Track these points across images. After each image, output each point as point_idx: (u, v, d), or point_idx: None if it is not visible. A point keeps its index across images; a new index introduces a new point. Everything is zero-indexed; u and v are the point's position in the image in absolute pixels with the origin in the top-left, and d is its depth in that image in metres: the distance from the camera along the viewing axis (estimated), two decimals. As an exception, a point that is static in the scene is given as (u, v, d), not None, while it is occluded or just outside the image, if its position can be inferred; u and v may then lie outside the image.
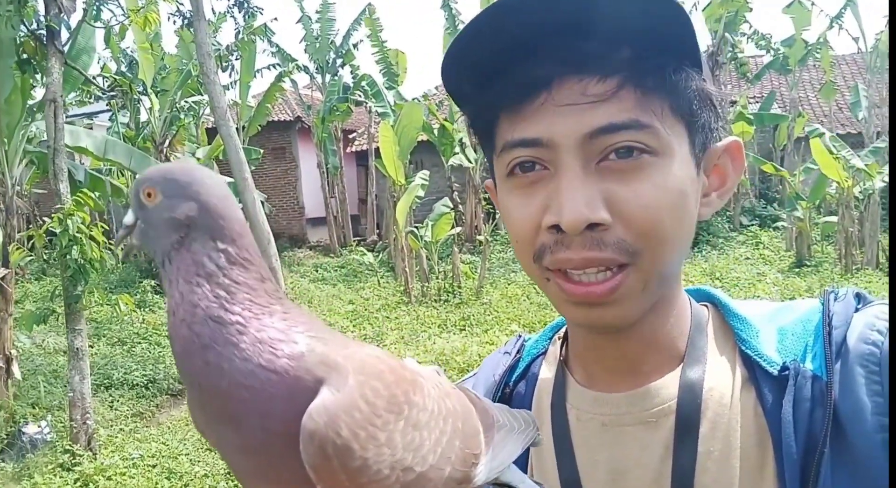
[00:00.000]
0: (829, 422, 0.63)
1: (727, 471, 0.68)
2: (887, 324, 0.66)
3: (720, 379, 0.72)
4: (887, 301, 0.70)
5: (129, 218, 0.59)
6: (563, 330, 0.86)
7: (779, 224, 14.10)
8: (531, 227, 0.68)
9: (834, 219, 11.72)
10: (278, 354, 0.50)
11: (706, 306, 0.80)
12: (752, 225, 14.94)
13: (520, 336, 0.91)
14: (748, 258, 12.47)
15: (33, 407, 7.02)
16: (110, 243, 6.35)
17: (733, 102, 15.60)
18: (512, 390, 0.84)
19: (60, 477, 5.61)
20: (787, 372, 0.67)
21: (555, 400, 0.79)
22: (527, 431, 0.68)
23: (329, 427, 0.48)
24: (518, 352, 0.87)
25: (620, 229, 0.64)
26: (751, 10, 14.57)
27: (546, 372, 0.83)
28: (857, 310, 0.70)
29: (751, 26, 16.10)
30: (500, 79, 0.66)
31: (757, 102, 16.66)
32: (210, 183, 0.56)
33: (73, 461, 5.80)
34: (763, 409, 0.69)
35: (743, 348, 0.73)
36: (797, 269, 11.35)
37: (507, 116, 0.68)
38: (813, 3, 15.75)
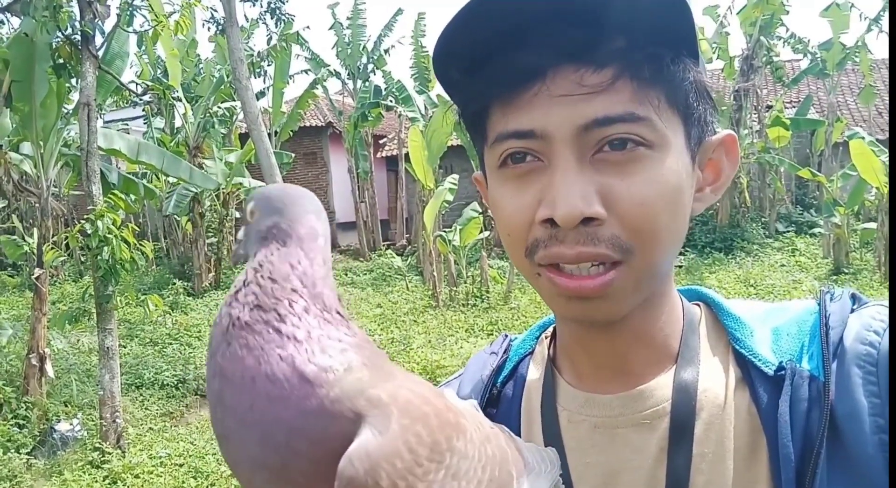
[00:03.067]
0: (825, 423, 0.62)
1: (721, 473, 0.66)
2: (884, 325, 0.65)
3: (714, 379, 0.70)
4: (884, 302, 0.68)
5: (241, 233, 0.63)
6: (551, 329, 0.84)
7: (816, 230, 13.79)
8: (524, 221, 0.66)
9: (873, 225, 11.44)
10: (313, 358, 0.49)
11: (698, 305, 0.78)
12: (789, 231, 14.66)
13: (506, 335, 0.89)
14: (784, 265, 12.24)
15: (66, 406, 7.15)
16: (141, 244, 6.46)
17: (769, 107, 15.35)
18: (500, 391, 0.82)
19: (90, 475, 5.70)
20: (782, 373, 0.66)
21: (544, 401, 0.77)
22: (552, 472, 0.67)
23: (369, 475, 0.46)
24: (505, 352, 0.85)
25: (615, 225, 0.62)
26: (787, 12, 14.31)
27: (534, 372, 0.81)
28: (852, 310, 0.69)
29: (787, 30, 15.84)
30: (493, 66, 0.64)
31: (793, 107, 16.39)
32: (298, 199, 0.59)
33: (102, 458, 5.89)
34: (757, 409, 0.67)
35: (737, 347, 0.71)
36: (835, 277, 11.09)
37: (499, 106, 0.66)
38: (852, 6, 15.41)
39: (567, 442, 0.73)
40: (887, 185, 10.81)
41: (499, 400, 0.81)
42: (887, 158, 10.89)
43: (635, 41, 0.61)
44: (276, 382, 0.48)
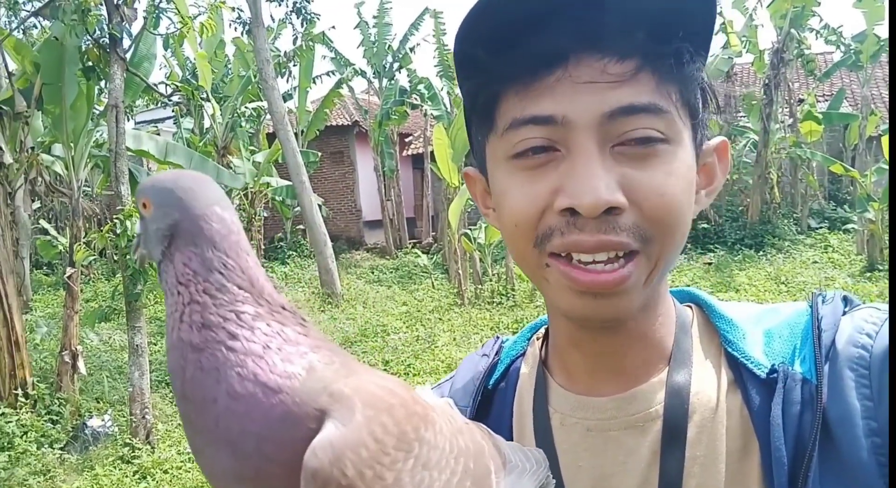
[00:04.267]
0: (818, 426, 0.61)
1: (713, 476, 0.65)
2: (877, 328, 0.64)
3: (706, 382, 0.70)
4: (876, 305, 0.68)
5: (136, 227, 0.60)
6: (542, 330, 0.83)
7: (849, 226, 13.52)
8: (535, 210, 0.64)
9: (909, 220, 11.15)
10: (275, 368, 0.48)
11: (690, 307, 0.77)
12: (821, 227, 14.39)
13: (497, 337, 0.88)
14: (816, 262, 12.01)
15: (97, 402, 7.30)
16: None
17: (801, 101, 15.07)
18: (492, 393, 0.81)
19: (120, 470, 5.81)
20: (775, 375, 0.65)
21: (536, 403, 0.76)
22: (538, 472, 0.65)
23: (334, 465, 0.45)
24: (496, 353, 0.84)
25: (635, 214, 0.62)
26: (819, 4, 14.02)
27: (526, 374, 0.80)
28: (844, 313, 0.68)
29: (821, 20, 15.53)
30: (514, 49, 0.63)
31: (826, 100, 16.05)
32: (196, 189, 0.55)
33: (132, 454, 6.00)
34: (749, 412, 0.66)
35: (729, 350, 0.70)
36: (868, 274, 10.85)
37: (516, 91, 0.65)
38: (887, -4, 15.05)
39: (559, 444, 0.72)
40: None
41: (490, 403, 0.81)
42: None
43: (659, 35, 0.61)
44: (239, 398, 0.47)
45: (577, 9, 0.61)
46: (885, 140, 10.42)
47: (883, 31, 15.53)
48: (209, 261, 0.52)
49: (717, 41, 15.14)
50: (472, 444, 0.57)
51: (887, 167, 11.15)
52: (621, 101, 0.61)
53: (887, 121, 11.53)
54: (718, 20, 14.88)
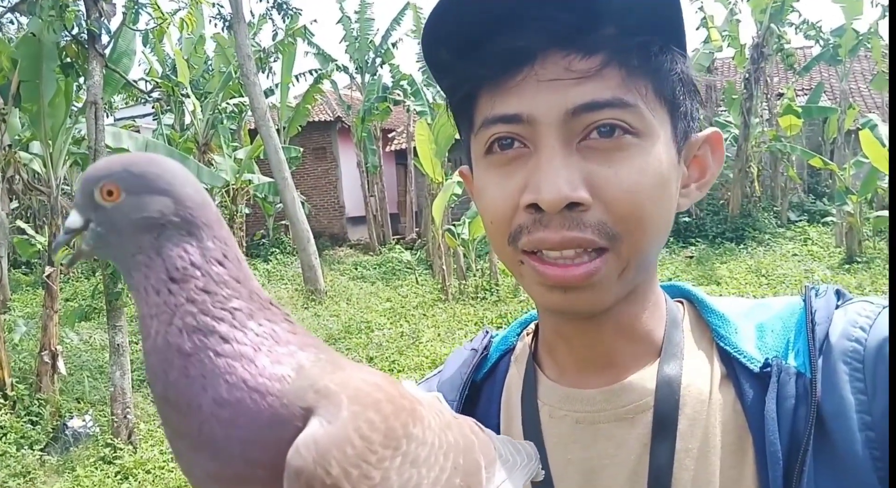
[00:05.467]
0: (812, 420, 0.61)
1: (706, 469, 0.65)
2: (870, 321, 0.64)
3: (698, 375, 0.69)
4: (869, 298, 0.68)
5: (75, 220, 0.50)
6: (532, 325, 0.83)
7: (828, 219, 13.66)
8: (508, 207, 0.65)
9: (886, 213, 11.31)
10: (264, 372, 0.46)
11: (681, 302, 0.77)
12: (801, 220, 14.53)
13: (486, 331, 0.88)
14: (796, 254, 12.13)
15: (78, 402, 7.23)
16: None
17: (780, 95, 15.19)
18: (480, 387, 0.81)
19: (101, 470, 5.76)
20: (768, 369, 0.65)
21: (525, 397, 0.76)
22: (529, 465, 0.64)
23: (318, 464, 0.43)
24: (485, 348, 0.84)
25: (601, 211, 0.61)
26: (798, -1, 14.15)
27: (515, 368, 0.80)
28: (837, 306, 0.68)
29: (800, 15, 15.66)
30: (482, 49, 0.63)
31: (805, 94, 16.20)
32: (181, 173, 0.50)
33: (113, 454, 5.95)
34: (743, 406, 0.66)
35: (721, 344, 0.70)
36: (847, 266, 10.98)
37: (486, 91, 0.65)
38: (864, -9, 15.21)
39: (548, 437, 0.72)
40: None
41: (478, 396, 0.81)
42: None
43: (625, 29, 0.61)
44: (226, 405, 0.45)
45: (541, 7, 0.61)
46: (864, 134, 10.54)
47: (861, 25, 15.71)
48: (211, 253, 0.49)
49: (699, 36, 15.23)
50: (461, 439, 0.56)
51: (865, 160, 11.28)
52: (584, 98, 0.61)
53: (886, 120, 11.66)
54: (699, 15, 14.92)
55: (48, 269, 6.86)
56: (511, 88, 0.63)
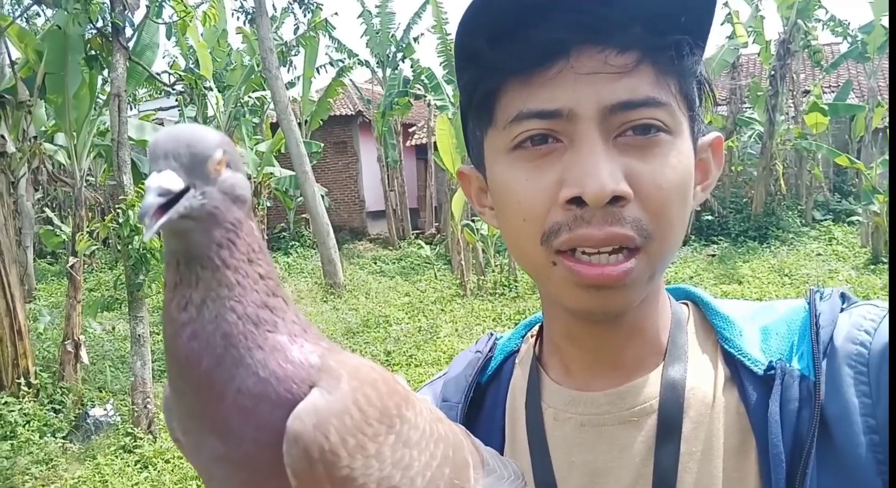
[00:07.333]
0: (816, 423, 0.61)
1: (710, 472, 0.65)
2: (875, 325, 0.64)
3: (702, 377, 0.70)
4: (874, 302, 0.68)
5: (175, 182, 0.43)
6: (536, 328, 0.83)
7: (854, 219, 13.45)
8: (543, 204, 0.63)
9: (913, 213, 11.11)
10: (295, 365, 0.47)
11: (686, 304, 0.77)
12: (826, 219, 14.33)
13: (491, 334, 0.88)
14: (820, 254, 11.97)
15: (100, 391, 7.32)
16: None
17: (807, 92, 14.98)
18: (484, 390, 0.81)
19: (122, 459, 5.83)
20: (772, 372, 0.65)
21: (529, 399, 0.76)
22: (516, 483, 0.63)
23: (317, 429, 0.44)
24: (490, 350, 0.84)
25: (637, 207, 0.61)
26: (826, -6, 13.92)
27: (519, 371, 0.80)
28: (842, 309, 0.68)
29: (827, 11, 15.43)
30: (515, 41, 0.63)
31: (832, 92, 15.96)
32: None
33: (133, 443, 6.02)
34: (746, 409, 0.66)
35: (726, 347, 0.70)
36: (872, 266, 10.81)
37: (516, 84, 0.64)
38: (895, -14, 14.91)
39: (552, 440, 0.72)
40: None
41: (483, 399, 0.80)
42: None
43: (659, 27, 0.61)
44: (250, 396, 0.45)
45: (577, 1, 0.61)
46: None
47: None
48: (256, 235, 0.48)
49: (723, 31, 15.04)
50: (451, 435, 0.57)
51: (893, 159, 11.08)
52: (621, 96, 0.61)
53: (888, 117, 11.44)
54: (724, 11, 14.72)
55: (72, 260, 6.95)
56: (546, 82, 0.62)
